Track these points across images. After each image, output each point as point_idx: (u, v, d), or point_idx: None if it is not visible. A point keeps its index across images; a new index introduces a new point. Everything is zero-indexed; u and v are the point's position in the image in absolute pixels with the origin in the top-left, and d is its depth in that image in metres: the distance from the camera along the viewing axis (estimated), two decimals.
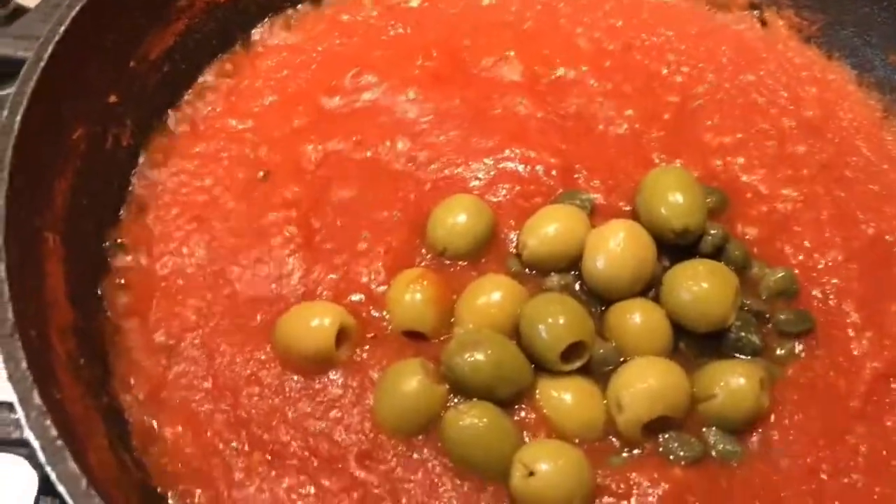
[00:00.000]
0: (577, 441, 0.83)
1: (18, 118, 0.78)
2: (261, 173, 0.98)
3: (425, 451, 0.81)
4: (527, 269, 0.93)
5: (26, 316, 0.70)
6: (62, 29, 0.85)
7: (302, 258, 0.92)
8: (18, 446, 0.83)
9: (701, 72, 1.12)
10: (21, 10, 1.31)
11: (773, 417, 0.86)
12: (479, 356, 0.82)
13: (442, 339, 0.87)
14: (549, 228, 0.92)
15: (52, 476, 0.61)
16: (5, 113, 0.79)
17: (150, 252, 0.92)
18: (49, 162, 0.84)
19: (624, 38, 1.14)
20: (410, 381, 0.82)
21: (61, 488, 0.61)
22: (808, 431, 0.85)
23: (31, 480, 0.89)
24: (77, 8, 0.87)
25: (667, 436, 0.83)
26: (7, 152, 0.76)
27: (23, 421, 0.64)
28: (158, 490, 0.77)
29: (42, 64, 0.82)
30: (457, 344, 0.84)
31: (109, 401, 0.81)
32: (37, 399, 0.64)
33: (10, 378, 0.65)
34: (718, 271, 0.88)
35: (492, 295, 0.88)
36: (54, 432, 0.63)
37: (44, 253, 0.80)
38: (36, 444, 0.63)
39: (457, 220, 0.93)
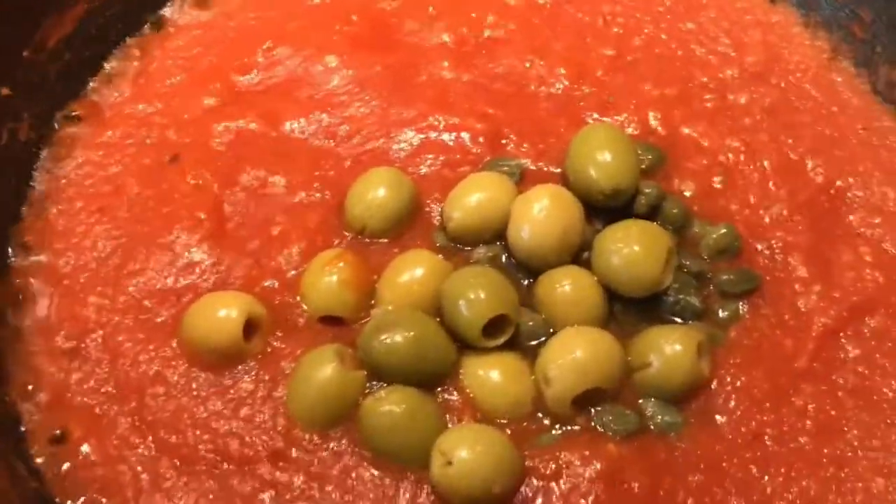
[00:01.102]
0: (505, 421, 0.78)
1: None
2: (168, 157, 0.93)
3: (343, 442, 0.77)
4: (452, 243, 0.88)
5: None
6: None
7: (212, 245, 0.88)
8: None
9: (637, 23, 1.07)
10: None
11: (714, 384, 0.81)
12: (397, 337, 0.78)
13: (361, 322, 0.83)
14: (473, 198, 0.87)
15: None
16: None
17: (53, 249, 0.88)
18: None
19: None
20: (325, 370, 0.78)
21: None
22: (752, 396, 0.81)
23: None
24: None
25: (599, 409, 0.78)
26: None
27: None
28: (57, 500, 0.73)
29: None
30: (374, 325, 0.79)
31: (6, 409, 0.77)
32: None
33: None
34: (651, 231, 0.84)
35: (414, 271, 0.83)
36: None
37: None
38: None
39: (376, 194, 0.88)
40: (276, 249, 0.87)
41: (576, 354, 0.77)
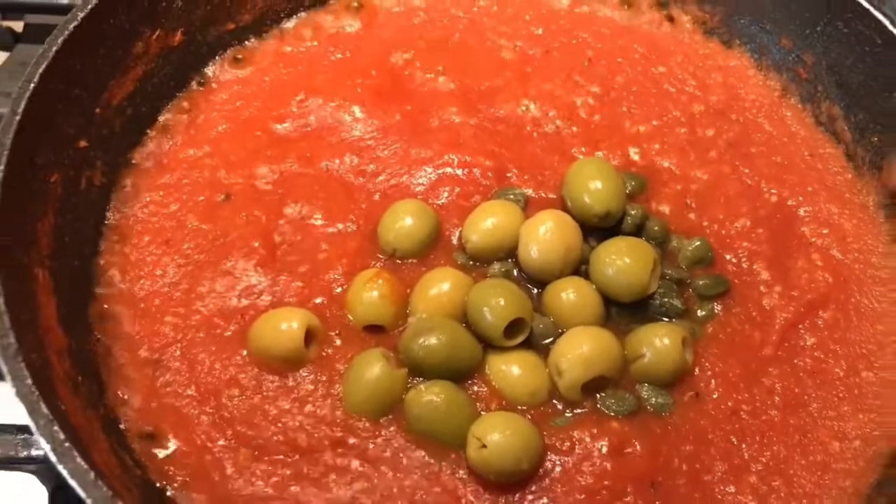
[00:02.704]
0: (525, 407, 0.93)
1: (2, 167, 0.87)
2: (221, 196, 1.08)
3: (392, 429, 0.91)
4: (471, 261, 1.03)
5: (26, 342, 0.79)
6: (32, 85, 0.94)
7: (266, 270, 1.02)
8: (26, 463, 0.92)
9: (618, 66, 1.24)
10: None
11: (697, 370, 0.97)
12: (433, 340, 0.92)
13: (399, 329, 0.97)
14: (488, 223, 1.03)
15: (64, 473, 0.71)
16: None
17: (128, 277, 1.01)
18: (30, 206, 0.93)
19: (544, 44, 1.26)
20: (373, 369, 0.92)
21: (73, 482, 0.70)
22: (728, 379, 0.97)
23: (41, 495, 0.98)
24: (44, 65, 0.96)
25: (603, 394, 0.94)
26: None
27: (33, 429, 0.73)
28: (158, 485, 0.86)
29: (17, 117, 0.91)
30: (412, 331, 0.94)
31: (106, 412, 0.90)
32: (44, 409, 0.74)
33: (18, 394, 0.74)
34: (638, 246, 1.00)
35: (441, 286, 0.98)
36: (62, 436, 0.72)
37: (35, 287, 0.89)
38: (47, 447, 0.72)
39: (404, 223, 1.04)
40: (323, 271, 1.02)
41: (583, 349, 0.93)
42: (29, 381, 0.75)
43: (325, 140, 1.14)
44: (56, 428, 0.73)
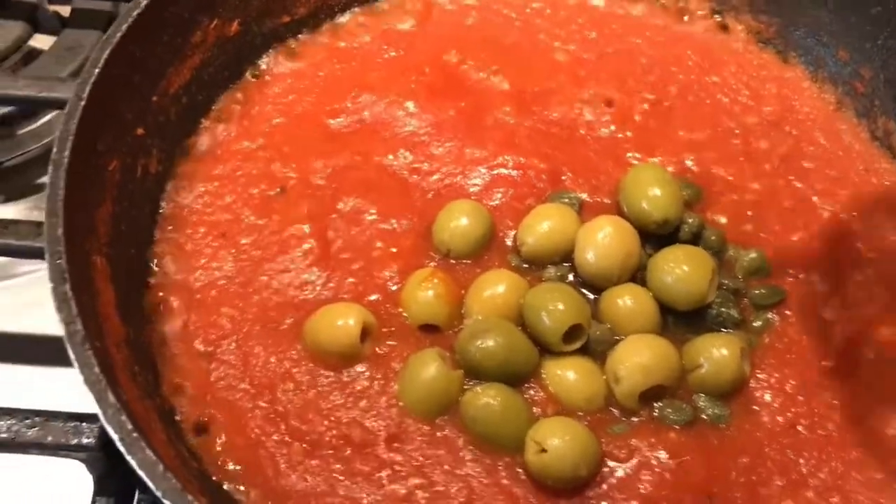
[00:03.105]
0: (581, 414, 0.92)
1: (66, 153, 0.87)
2: (276, 189, 1.07)
3: (447, 430, 0.90)
4: (525, 264, 1.03)
5: (89, 330, 0.79)
6: (97, 70, 0.94)
7: (321, 267, 1.01)
8: (76, 451, 0.92)
9: (671, 75, 1.23)
10: (34, 53, 1.40)
11: (753, 381, 0.96)
12: (490, 342, 0.92)
13: (454, 330, 0.97)
14: (544, 225, 1.03)
15: (133, 463, 0.70)
16: (54, 150, 0.88)
17: (184, 268, 1.01)
18: (91, 193, 0.93)
19: (597, 48, 1.25)
20: (429, 369, 0.91)
21: (142, 473, 0.69)
22: (785, 391, 0.96)
23: (87, 483, 0.98)
24: (108, 50, 0.95)
25: (660, 404, 0.93)
26: (60, 184, 0.85)
27: (101, 417, 0.72)
28: (214, 478, 0.86)
29: (82, 103, 0.91)
30: (469, 332, 0.93)
31: (162, 402, 0.89)
32: (111, 397, 0.73)
33: (86, 381, 0.74)
34: (696, 255, 0.99)
35: (496, 287, 0.98)
36: (130, 425, 0.72)
37: (94, 274, 0.89)
38: (115, 436, 0.71)
39: (459, 223, 1.03)
40: (377, 269, 1.01)
41: (642, 357, 0.92)
42: (97, 368, 0.74)
43: (379, 135, 1.13)
44: (123, 417, 0.72)
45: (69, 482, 1.01)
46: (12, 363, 1.15)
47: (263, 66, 1.20)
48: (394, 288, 1.00)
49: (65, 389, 1.07)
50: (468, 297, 0.98)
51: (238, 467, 0.88)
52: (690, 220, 1.04)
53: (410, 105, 1.16)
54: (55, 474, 1.01)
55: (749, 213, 1.09)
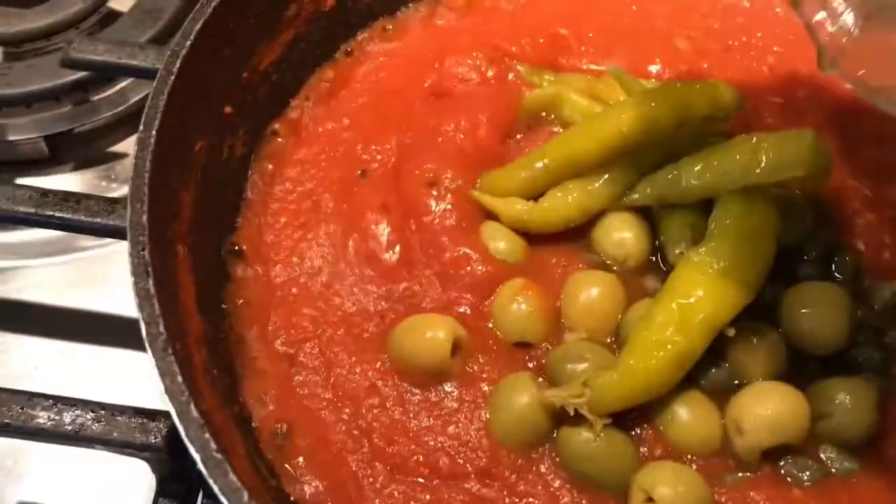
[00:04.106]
0: (692, 456, 0.83)
1: (154, 132, 0.80)
2: (358, 172, 1.00)
3: (543, 466, 0.82)
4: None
5: (171, 329, 0.72)
6: (188, 43, 0.86)
7: (404, 267, 0.93)
8: (142, 451, 0.86)
9: (800, 78, 1.11)
10: (113, 16, 1.34)
11: (890, 431, 0.86)
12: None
13: (549, 344, 0.88)
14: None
15: (215, 489, 0.63)
16: (140, 128, 0.81)
17: (265, 261, 0.94)
18: (176, 175, 0.86)
19: (722, 39, 1.14)
20: (522, 397, 0.83)
21: (224, 500, 0.63)
22: None
23: (150, 484, 0.92)
24: (201, 21, 0.88)
25: (784, 463, 0.83)
26: (146, 165, 0.78)
27: (182, 434, 0.65)
28: (292, 498, 0.79)
29: (172, 78, 0.83)
30: (559, 356, 0.85)
31: (239, 409, 0.83)
32: (194, 412, 0.66)
33: (167, 392, 0.67)
34: (833, 293, 0.88)
35: (590, 290, 0.89)
36: (213, 445, 0.65)
37: (176, 264, 0.82)
38: (197, 457, 0.64)
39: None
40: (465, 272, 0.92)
41: (771, 410, 0.82)
42: (179, 378, 0.68)
43: (472, 111, 1.03)
44: (207, 435, 0.65)
45: (130, 480, 0.95)
46: (69, 341, 1.10)
47: (357, 44, 1.12)
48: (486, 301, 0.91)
49: (129, 373, 1.02)
50: (564, 304, 0.90)
51: (319, 486, 0.81)
52: (825, 239, 0.94)
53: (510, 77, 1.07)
54: (117, 471, 0.96)
55: (890, 235, 0.98)
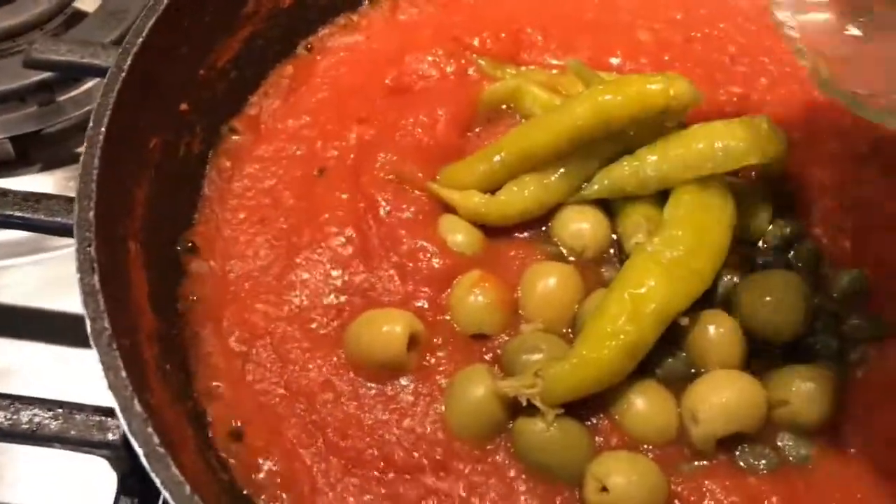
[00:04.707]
0: (648, 446, 0.83)
1: (103, 129, 0.80)
2: (317, 170, 1.00)
3: (499, 456, 0.82)
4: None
5: (119, 325, 0.72)
6: (140, 40, 0.86)
7: (362, 261, 0.93)
8: (100, 448, 0.86)
9: (762, 65, 1.12)
10: (79, 16, 1.34)
11: (845, 420, 0.86)
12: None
13: (505, 336, 0.88)
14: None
15: (157, 482, 0.63)
16: (90, 124, 0.81)
17: (220, 256, 0.94)
18: (129, 171, 0.86)
19: (685, 30, 1.14)
20: (477, 389, 0.83)
21: (166, 494, 0.63)
22: (883, 434, 0.85)
23: (111, 480, 0.92)
24: (153, 18, 0.88)
25: (740, 451, 0.83)
26: (94, 162, 0.78)
27: (125, 428, 0.65)
28: (245, 492, 0.79)
29: (123, 74, 0.83)
30: (515, 346, 0.85)
31: (193, 405, 0.83)
32: (137, 407, 0.66)
33: (111, 387, 0.67)
34: (791, 282, 0.88)
35: (548, 280, 0.89)
36: (156, 440, 0.65)
37: (128, 261, 0.82)
38: (140, 451, 0.64)
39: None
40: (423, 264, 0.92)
41: (726, 398, 0.82)
42: (123, 372, 0.67)
43: (432, 106, 1.03)
44: (149, 430, 0.65)
45: (93, 478, 0.95)
46: (41, 342, 1.10)
47: (317, 40, 1.12)
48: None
49: (95, 372, 1.02)
50: (522, 295, 0.90)
51: (272, 480, 0.80)
52: (787, 228, 0.94)
53: (470, 72, 1.07)
54: (77, 470, 0.95)
55: (848, 223, 0.98)
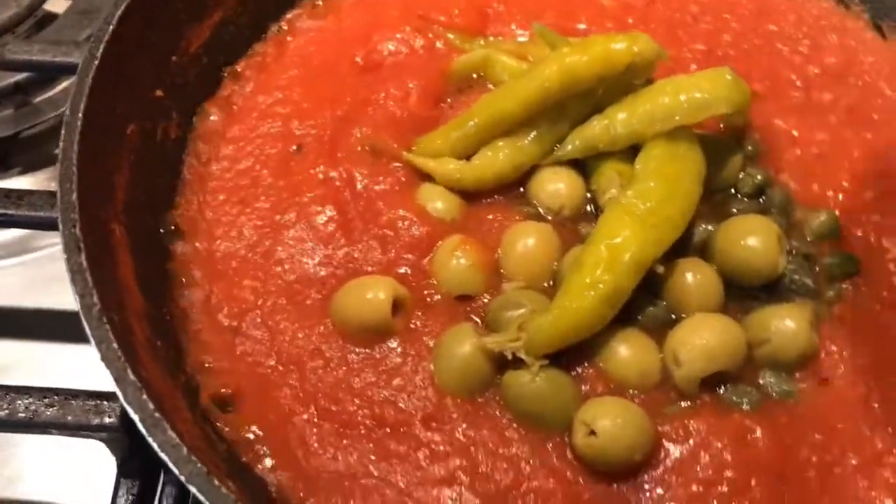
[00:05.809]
0: (633, 392, 0.85)
1: (80, 115, 0.81)
2: (293, 147, 1.01)
3: (489, 408, 0.84)
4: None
5: (108, 302, 0.73)
6: (111, 28, 0.87)
7: (343, 234, 0.95)
8: (97, 431, 0.87)
9: (725, 22, 1.14)
10: (49, 17, 1.35)
11: (823, 355, 0.88)
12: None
13: (490, 294, 0.90)
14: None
15: (154, 446, 0.65)
16: (66, 111, 0.82)
17: (205, 237, 0.95)
18: (108, 157, 0.87)
19: None
20: (464, 346, 0.85)
21: (164, 456, 0.64)
22: (858, 364, 0.88)
23: (110, 464, 0.93)
24: (123, 6, 0.89)
25: (723, 391, 0.85)
26: (73, 147, 0.79)
27: (120, 398, 0.67)
28: (244, 460, 0.80)
29: (96, 62, 0.85)
30: (498, 304, 0.87)
31: (186, 379, 0.84)
32: (131, 376, 0.68)
33: (103, 358, 0.68)
34: (763, 225, 0.91)
35: (527, 240, 0.91)
36: (151, 405, 0.66)
37: (112, 244, 0.83)
38: (136, 417, 0.66)
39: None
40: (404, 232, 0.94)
41: (706, 339, 0.84)
42: (115, 344, 0.69)
43: (403, 80, 1.05)
44: (144, 396, 0.67)
45: (92, 469, 0.96)
46: (31, 340, 1.11)
47: (287, 22, 1.13)
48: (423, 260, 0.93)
49: (87, 368, 1.03)
50: (502, 255, 0.92)
51: (267, 448, 0.82)
52: (758, 176, 0.97)
53: (439, 45, 1.09)
54: (77, 454, 0.97)
55: (816, 169, 1.00)
